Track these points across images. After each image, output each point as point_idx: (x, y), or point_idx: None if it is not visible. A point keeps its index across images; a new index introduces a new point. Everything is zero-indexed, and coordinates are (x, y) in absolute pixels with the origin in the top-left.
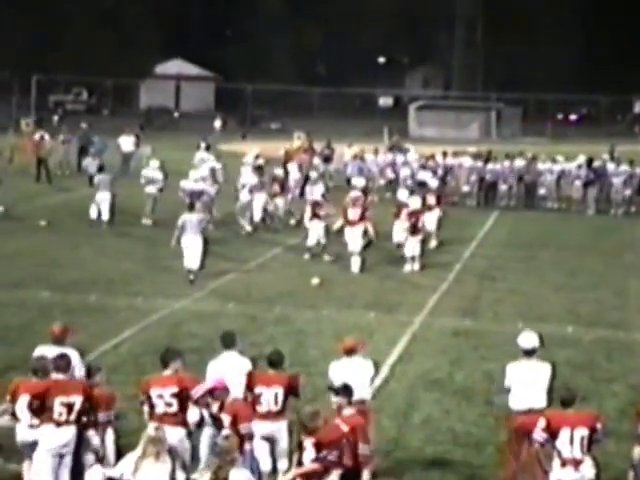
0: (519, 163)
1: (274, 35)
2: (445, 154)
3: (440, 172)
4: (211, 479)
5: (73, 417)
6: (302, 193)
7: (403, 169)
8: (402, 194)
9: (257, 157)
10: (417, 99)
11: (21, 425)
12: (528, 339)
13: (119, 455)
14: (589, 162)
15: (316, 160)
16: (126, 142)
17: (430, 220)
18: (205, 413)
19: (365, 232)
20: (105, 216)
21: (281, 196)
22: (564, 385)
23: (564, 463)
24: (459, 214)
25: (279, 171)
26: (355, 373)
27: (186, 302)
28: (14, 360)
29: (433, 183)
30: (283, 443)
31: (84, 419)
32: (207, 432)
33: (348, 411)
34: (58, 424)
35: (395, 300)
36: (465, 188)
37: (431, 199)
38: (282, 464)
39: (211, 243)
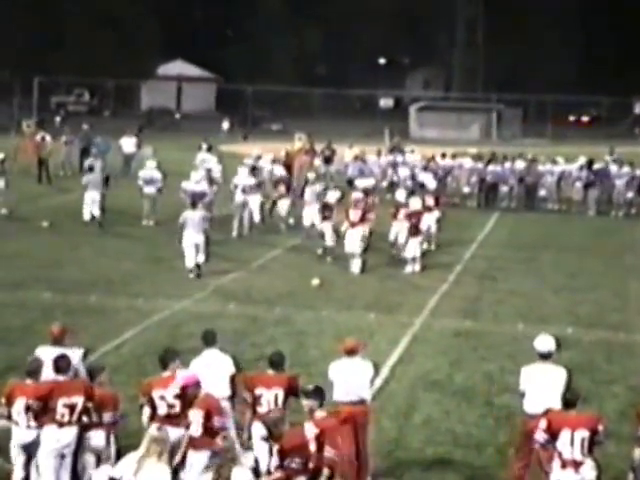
0: (520, 164)
1: (274, 36)
2: (444, 155)
3: (440, 173)
4: (214, 479)
5: (75, 418)
6: (302, 194)
7: (402, 170)
8: (400, 194)
9: (259, 158)
10: (418, 100)
11: (18, 427)
12: (544, 342)
13: (119, 456)
14: (589, 163)
15: (317, 161)
16: (128, 143)
17: (428, 221)
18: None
19: (370, 234)
20: (96, 213)
21: (286, 197)
22: (568, 386)
23: (564, 464)
24: (460, 215)
25: (283, 172)
26: (355, 373)
27: (187, 303)
28: (15, 361)
29: (431, 184)
30: None
31: (85, 419)
32: None
33: (320, 414)
34: (61, 425)
35: (395, 301)
36: (466, 189)
37: (429, 200)
38: None
39: (212, 244)
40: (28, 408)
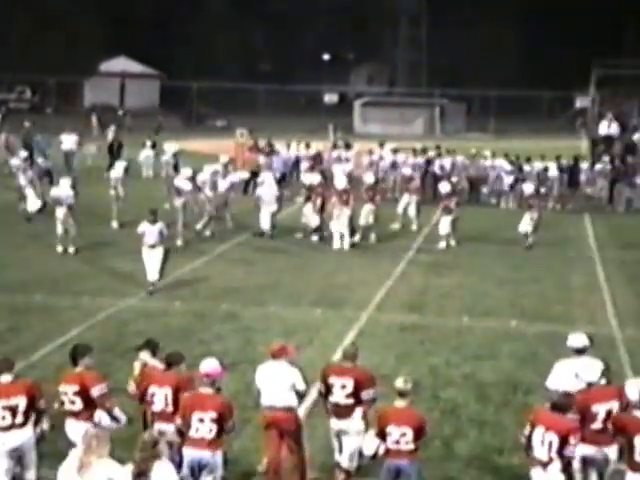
0: (461, 159)
1: (219, 33)
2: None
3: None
4: (134, 472)
5: (19, 420)
6: (246, 190)
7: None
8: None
9: (227, 164)
10: (362, 96)
11: None
12: (578, 339)
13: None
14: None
15: (261, 159)
16: (67, 140)
17: (365, 213)
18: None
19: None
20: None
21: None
22: (564, 393)
23: (533, 461)
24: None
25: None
26: (279, 377)
27: (132, 301)
28: None
29: (369, 179)
30: None
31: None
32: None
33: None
34: (2, 428)
35: (342, 296)
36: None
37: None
38: None
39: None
40: None
